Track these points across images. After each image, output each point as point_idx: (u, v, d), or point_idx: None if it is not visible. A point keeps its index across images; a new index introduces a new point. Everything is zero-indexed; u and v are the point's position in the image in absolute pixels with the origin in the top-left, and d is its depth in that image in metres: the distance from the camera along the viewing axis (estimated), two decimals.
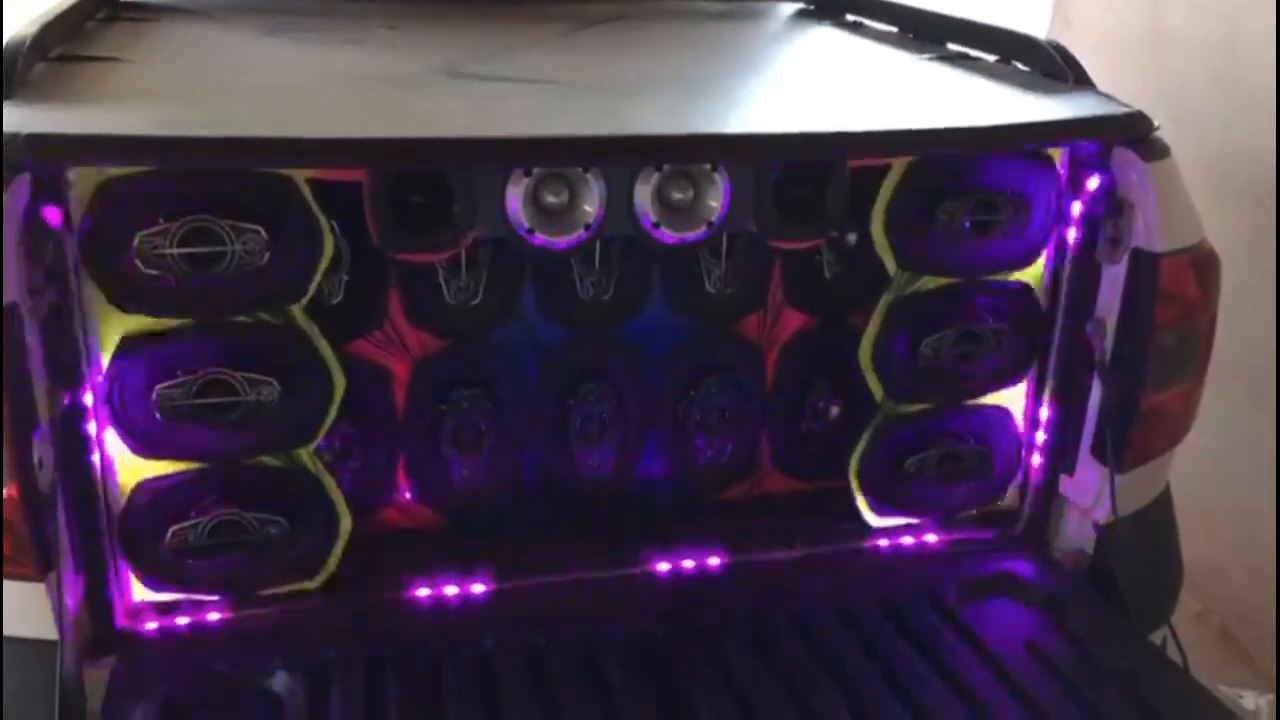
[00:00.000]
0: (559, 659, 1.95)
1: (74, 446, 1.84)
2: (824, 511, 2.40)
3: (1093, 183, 2.10)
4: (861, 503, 2.32)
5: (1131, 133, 2.05)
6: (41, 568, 1.76)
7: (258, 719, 1.82)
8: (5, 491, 1.70)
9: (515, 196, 1.94)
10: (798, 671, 1.95)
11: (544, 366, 2.34)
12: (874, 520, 2.34)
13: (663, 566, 2.22)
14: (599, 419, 2.33)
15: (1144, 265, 2.06)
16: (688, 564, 2.23)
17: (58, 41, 2.19)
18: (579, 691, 1.88)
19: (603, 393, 2.33)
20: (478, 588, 2.13)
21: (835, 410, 2.51)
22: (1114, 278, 2.12)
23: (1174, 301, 2.08)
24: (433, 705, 1.84)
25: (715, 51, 2.80)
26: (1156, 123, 2.04)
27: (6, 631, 1.78)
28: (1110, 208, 2.08)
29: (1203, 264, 2.11)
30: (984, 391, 2.30)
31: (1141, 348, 2.09)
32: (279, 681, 1.88)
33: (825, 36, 3.02)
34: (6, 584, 1.77)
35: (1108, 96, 2.16)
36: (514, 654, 1.96)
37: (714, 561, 2.24)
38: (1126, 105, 2.09)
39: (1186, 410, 2.23)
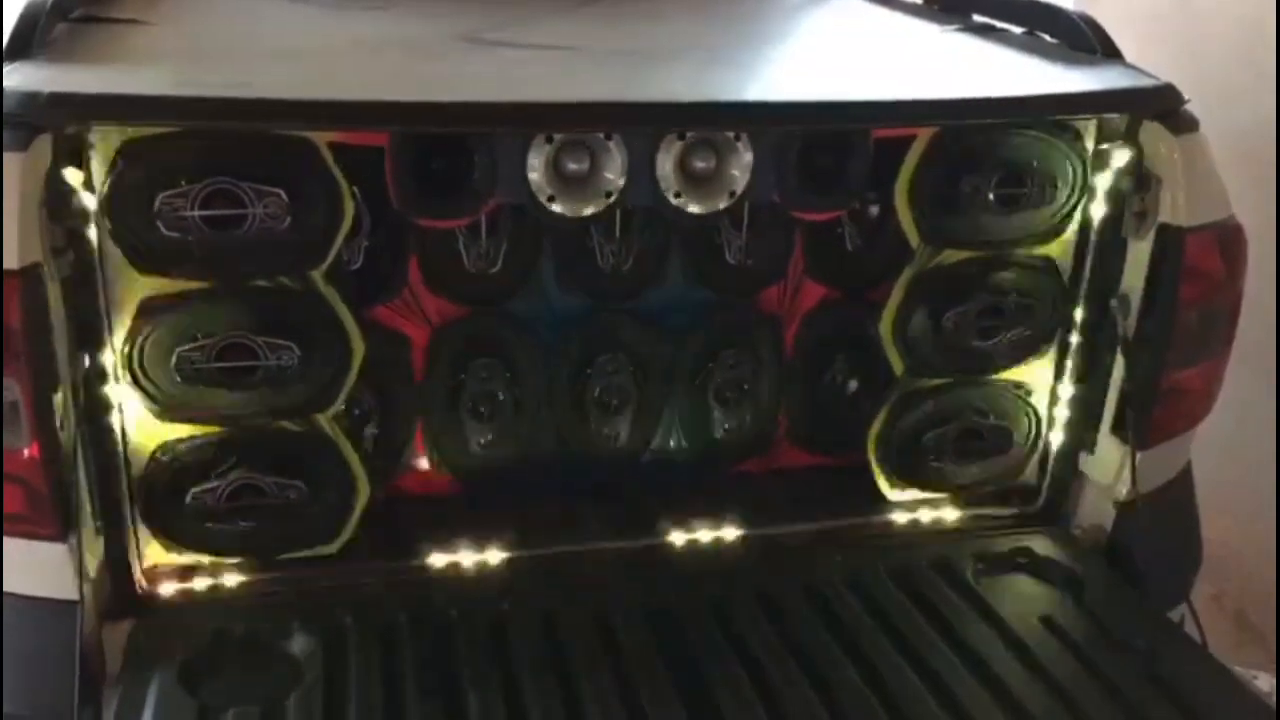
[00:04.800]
0: (574, 627, 1.95)
1: (95, 408, 1.84)
2: (841, 485, 2.39)
3: (1120, 156, 2.07)
4: (879, 477, 2.31)
5: (1161, 106, 2.02)
6: (62, 528, 1.76)
7: (275, 682, 1.82)
8: (27, 452, 1.71)
9: (536, 163, 1.92)
10: (811, 642, 1.94)
11: (562, 336, 2.33)
12: (891, 495, 2.33)
13: (678, 538, 2.21)
14: (617, 389, 2.32)
15: (1170, 240, 2.03)
16: (703, 536, 2.23)
17: (78, 3, 2.18)
18: (593, 660, 1.88)
19: (621, 363, 2.32)
20: (494, 556, 2.13)
21: (854, 384, 2.49)
22: (1139, 253, 2.10)
23: (1200, 278, 2.06)
24: (448, 671, 1.84)
25: (738, 20, 2.77)
26: (1186, 96, 2.02)
27: (25, 591, 1.79)
28: (1137, 182, 2.05)
29: (1229, 240, 2.09)
30: (1005, 367, 2.28)
31: (1165, 324, 2.07)
32: (296, 645, 1.89)
33: (849, 6, 2.99)
34: (25, 544, 1.78)
35: (1136, 69, 2.13)
36: (529, 622, 1.96)
37: (729, 534, 2.24)
38: (1155, 78, 2.06)
39: (1209, 389, 2.21)
